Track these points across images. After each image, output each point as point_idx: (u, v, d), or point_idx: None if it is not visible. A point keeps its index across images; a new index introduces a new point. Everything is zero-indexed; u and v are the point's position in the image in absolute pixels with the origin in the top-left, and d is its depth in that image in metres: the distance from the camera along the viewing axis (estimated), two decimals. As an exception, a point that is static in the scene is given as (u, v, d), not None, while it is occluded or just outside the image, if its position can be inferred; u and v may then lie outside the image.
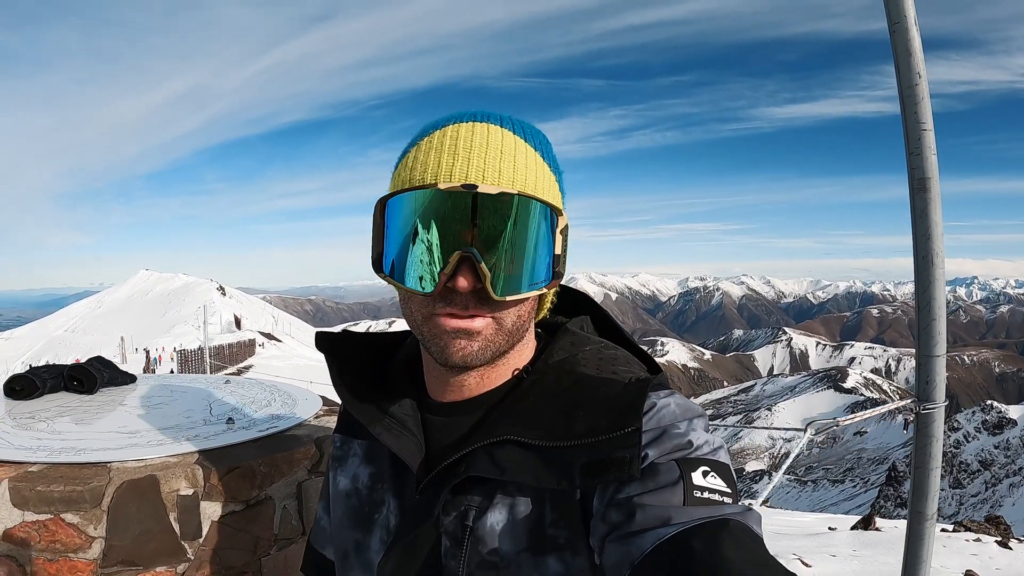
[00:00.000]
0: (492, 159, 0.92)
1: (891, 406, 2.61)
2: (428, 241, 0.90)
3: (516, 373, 1.06)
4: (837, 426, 2.39)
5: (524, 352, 1.07)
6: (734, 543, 0.77)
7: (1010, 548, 6.40)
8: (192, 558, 1.88)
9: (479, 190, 0.87)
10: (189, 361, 38.66)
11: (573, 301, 1.21)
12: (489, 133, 0.94)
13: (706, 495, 0.85)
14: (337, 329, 1.27)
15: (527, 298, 0.95)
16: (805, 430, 2.43)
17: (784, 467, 3.19)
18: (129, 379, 2.88)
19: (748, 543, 0.79)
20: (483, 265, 0.89)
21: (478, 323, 0.93)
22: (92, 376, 2.62)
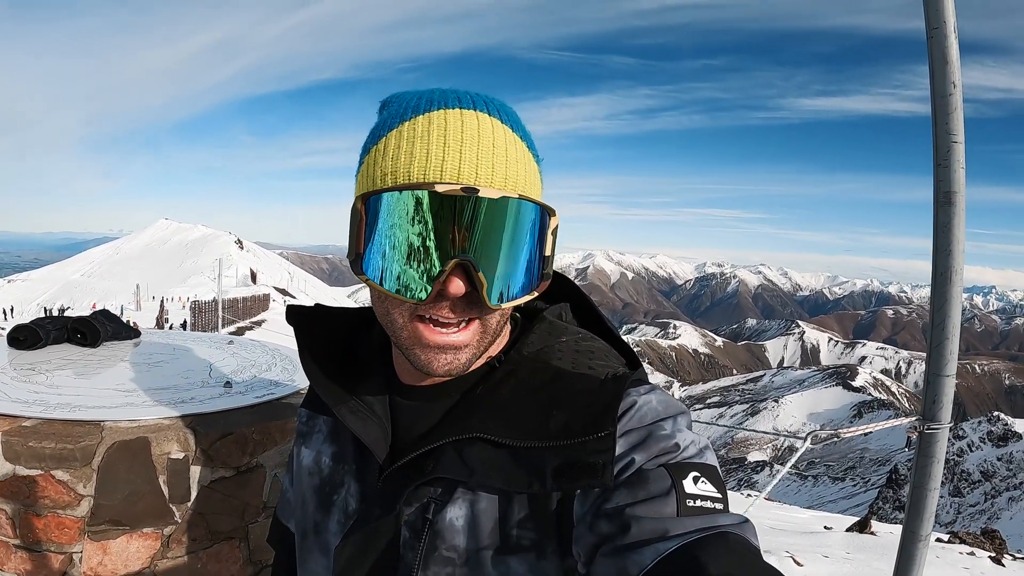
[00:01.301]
0: (485, 155, 0.86)
1: (894, 422, 2.57)
2: (421, 245, 0.84)
3: (489, 360, 1.02)
4: (838, 439, 2.36)
5: (498, 340, 1.03)
6: (736, 559, 0.76)
7: (1003, 565, 6.37)
8: (179, 521, 1.88)
9: (480, 194, 0.82)
10: (203, 312, 38.97)
11: (556, 285, 1.15)
12: (480, 124, 0.88)
13: (699, 503, 0.83)
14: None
15: (520, 304, 0.90)
16: (805, 439, 2.41)
17: (781, 473, 3.16)
18: (134, 334, 2.88)
19: (750, 557, 0.77)
20: (480, 274, 0.84)
21: (465, 336, 0.90)
22: (95, 329, 2.62)
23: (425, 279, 0.85)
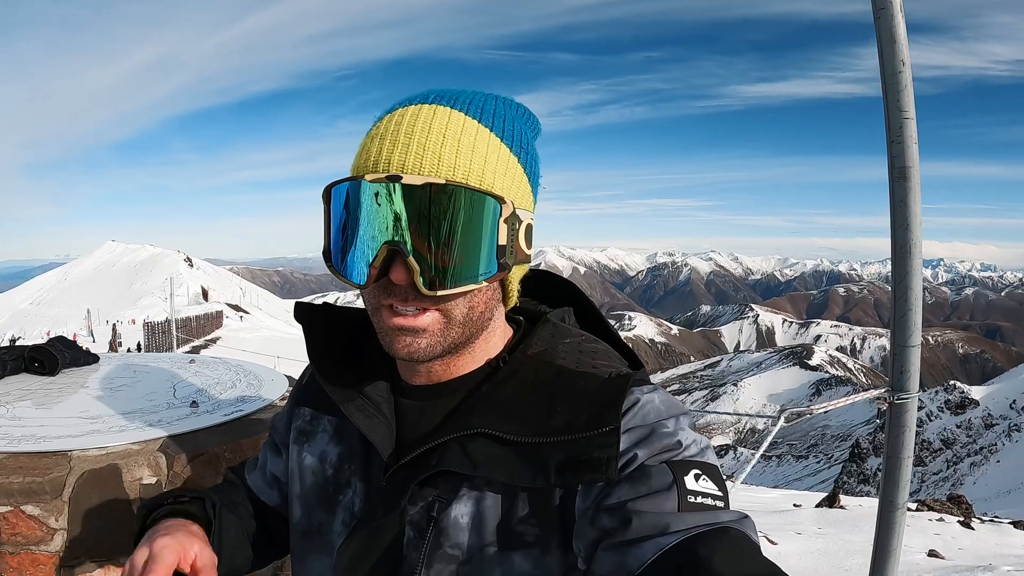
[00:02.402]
0: (433, 145, 0.88)
1: (864, 395, 2.62)
2: (360, 233, 0.89)
3: (490, 361, 1.03)
4: (811, 415, 2.39)
5: (495, 340, 1.04)
6: (737, 554, 0.77)
7: (972, 528, 6.54)
8: (156, 548, 1.83)
9: (403, 181, 0.85)
10: (156, 334, 38.29)
11: (559, 290, 1.18)
12: (435, 116, 0.90)
13: (700, 500, 0.84)
14: (316, 300, 1.24)
15: (462, 292, 0.91)
16: (779, 417, 2.44)
17: (759, 453, 3.21)
18: (92, 359, 2.81)
19: (750, 552, 0.79)
20: (411, 259, 0.87)
21: (423, 320, 0.92)
22: (53, 357, 2.55)
23: (363, 265, 0.90)
